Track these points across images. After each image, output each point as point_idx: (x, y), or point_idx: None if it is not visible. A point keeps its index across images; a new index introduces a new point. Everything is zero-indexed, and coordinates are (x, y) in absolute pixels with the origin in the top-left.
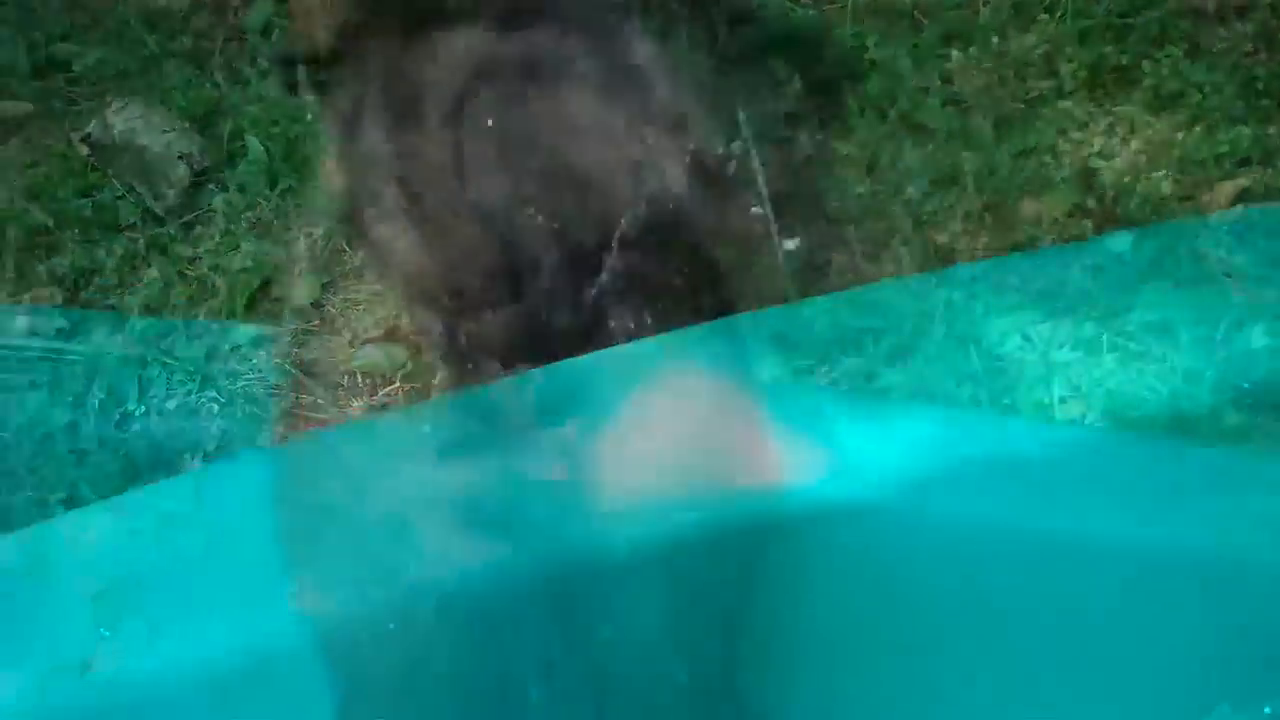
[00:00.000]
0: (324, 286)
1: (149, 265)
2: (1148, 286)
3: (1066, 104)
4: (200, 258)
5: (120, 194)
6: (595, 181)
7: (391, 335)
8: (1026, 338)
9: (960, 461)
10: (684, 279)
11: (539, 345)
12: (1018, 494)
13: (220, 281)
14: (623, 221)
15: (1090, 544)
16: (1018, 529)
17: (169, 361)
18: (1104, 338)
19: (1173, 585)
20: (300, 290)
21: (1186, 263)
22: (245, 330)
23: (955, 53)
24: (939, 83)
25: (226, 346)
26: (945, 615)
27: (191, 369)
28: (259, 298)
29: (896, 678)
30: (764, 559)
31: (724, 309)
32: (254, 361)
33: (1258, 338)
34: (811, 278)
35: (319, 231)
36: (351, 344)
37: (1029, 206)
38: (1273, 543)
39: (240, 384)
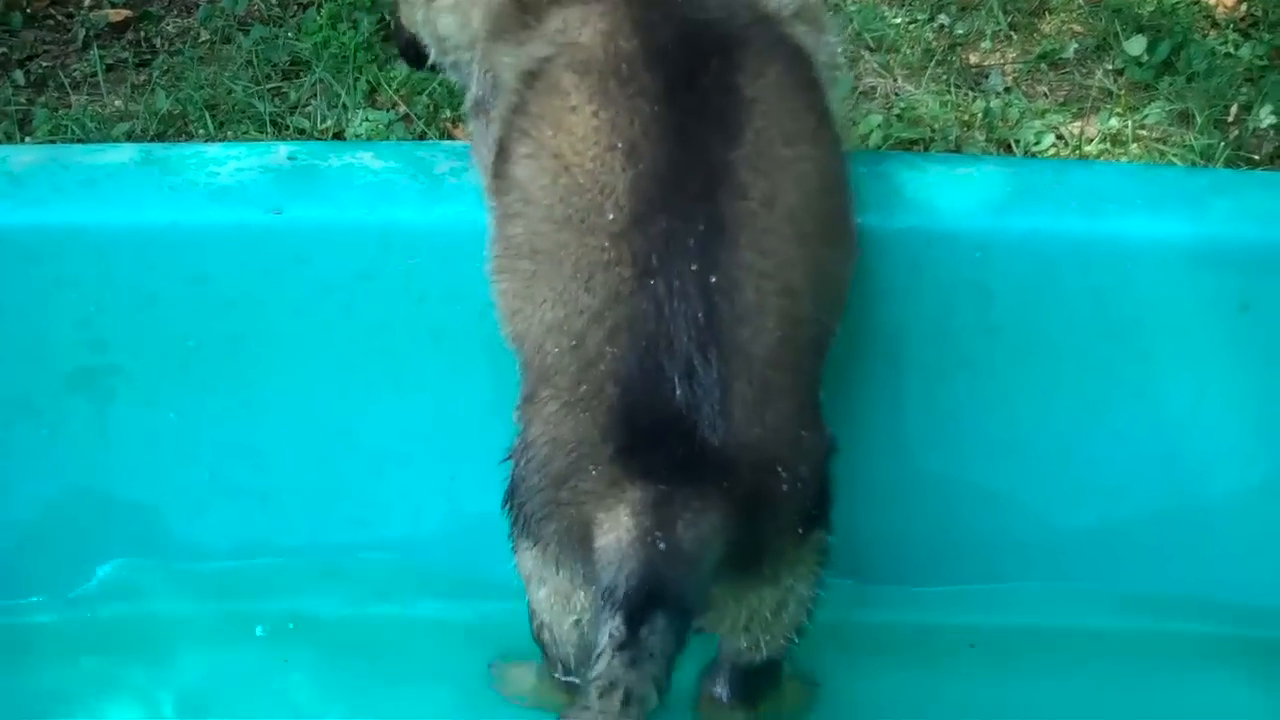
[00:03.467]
0: None
1: None
2: (1163, 82)
3: None
4: None
5: None
6: None
7: None
8: (1060, 136)
9: (1025, 190)
10: None
11: None
12: (1076, 208)
13: None
14: None
15: (1134, 238)
16: (1079, 232)
17: None
18: (1129, 130)
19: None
20: None
21: (1197, 58)
22: None
23: None
24: None
25: None
26: (1024, 308)
27: None
28: None
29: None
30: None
31: None
32: None
33: (1265, 117)
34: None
35: None
36: None
37: (1049, 22)
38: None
39: None
